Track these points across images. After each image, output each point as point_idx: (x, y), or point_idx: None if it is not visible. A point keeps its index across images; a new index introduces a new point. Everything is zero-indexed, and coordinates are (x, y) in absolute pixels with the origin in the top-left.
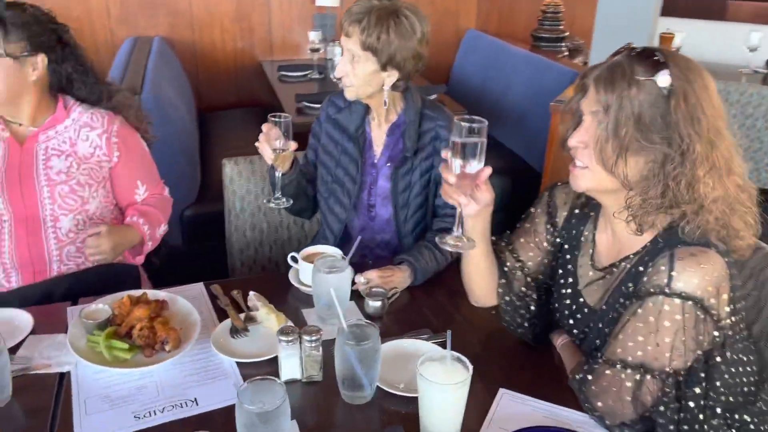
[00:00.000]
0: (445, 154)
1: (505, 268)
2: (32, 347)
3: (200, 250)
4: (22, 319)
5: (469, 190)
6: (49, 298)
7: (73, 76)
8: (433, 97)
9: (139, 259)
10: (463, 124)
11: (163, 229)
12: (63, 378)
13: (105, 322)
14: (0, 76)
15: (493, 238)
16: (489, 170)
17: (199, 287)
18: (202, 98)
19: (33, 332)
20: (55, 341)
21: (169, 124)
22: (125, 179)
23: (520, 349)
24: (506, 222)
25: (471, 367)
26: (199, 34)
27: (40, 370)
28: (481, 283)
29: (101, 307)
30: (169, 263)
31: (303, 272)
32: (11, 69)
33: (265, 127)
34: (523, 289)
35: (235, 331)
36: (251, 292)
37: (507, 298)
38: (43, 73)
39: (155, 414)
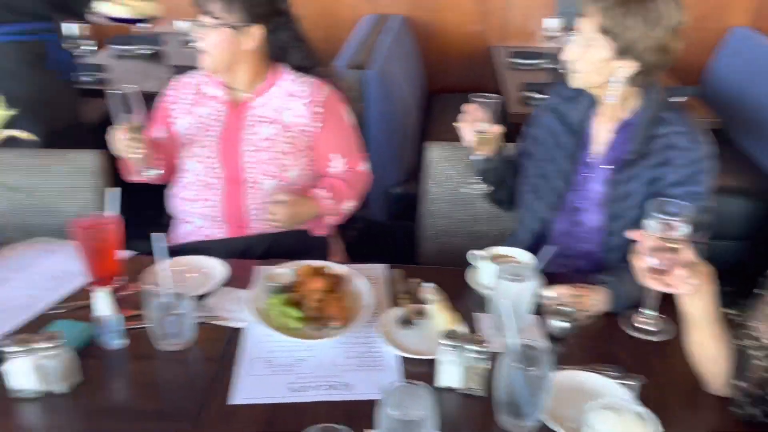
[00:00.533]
0: (635, 235)
1: (739, 349)
2: (219, 298)
3: (400, 230)
4: (219, 269)
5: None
6: (248, 253)
7: (288, 44)
8: (681, 99)
9: (320, 232)
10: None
11: (349, 204)
12: (237, 333)
13: (283, 287)
14: (218, 45)
15: (730, 311)
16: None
17: (382, 268)
18: (432, 80)
19: (227, 284)
20: (238, 296)
21: (391, 103)
22: (323, 150)
23: (730, 418)
24: (753, 252)
25: (661, 431)
26: (437, 14)
27: (219, 321)
28: (714, 370)
29: (284, 271)
30: (368, 238)
31: (483, 273)
32: (229, 38)
33: (468, 107)
34: (765, 374)
35: (403, 322)
36: (428, 284)
37: (742, 386)
38: (259, 42)
39: (308, 390)
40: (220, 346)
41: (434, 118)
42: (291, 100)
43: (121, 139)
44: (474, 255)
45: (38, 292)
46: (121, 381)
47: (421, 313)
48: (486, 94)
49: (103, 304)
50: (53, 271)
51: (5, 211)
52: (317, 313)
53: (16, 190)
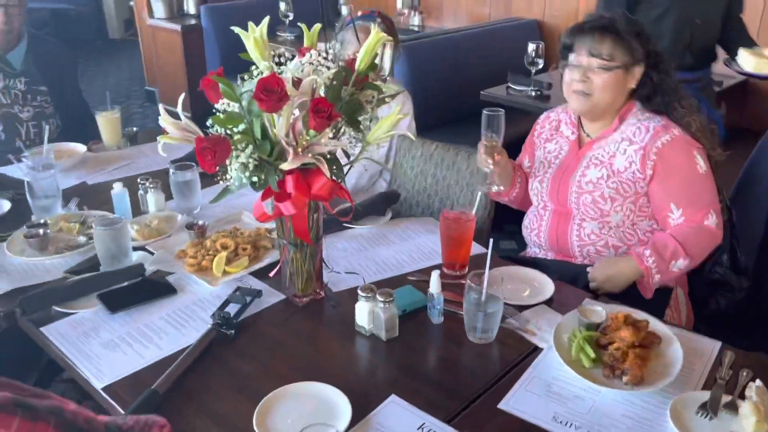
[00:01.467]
0: None
1: None
2: (535, 313)
3: None
4: (547, 287)
5: None
6: (575, 281)
7: (655, 88)
8: None
9: (647, 294)
10: None
11: (682, 264)
12: (534, 351)
13: (595, 325)
14: (607, 86)
15: None
16: None
17: (712, 344)
18: None
19: (548, 302)
20: (552, 319)
21: None
22: (657, 198)
23: None
24: None
25: None
26: None
27: (525, 333)
28: None
29: (598, 309)
30: (744, 313)
31: None
32: (618, 79)
33: None
34: None
35: (705, 408)
36: (756, 381)
37: None
38: (636, 83)
39: (569, 427)
40: (516, 355)
41: None
42: (625, 144)
43: (480, 152)
44: None
45: (406, 258)
46: (425, 348)
47: (730, 407)
48: None
49: (436, 283)
50: (423, 246)
51: (419, 191)
52: (613, 361)
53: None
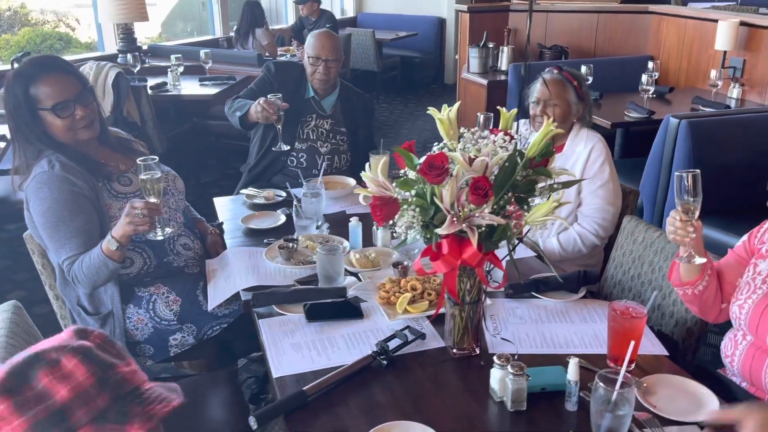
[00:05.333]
0: None
1: None
2: None
3: None
4: (711, 407)
5: None
6: None
7: None
8: None
9: None
10: None
11: None
12: None
13: None
14: None
15: None
16: None
17: None
18: None
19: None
20: None
21: None
22: None
23: None
24: None
25: None
26: None
27: None
28: None
29: None
30: None
31: None
32: None
33: None
34: None
35: None
36: None
37: None
38: None
39: None
40: None
41: None
42: None
43: (674, 221)
44: None
45: (576, 340)
46: (547, 429)
47: None
48: None
49: (573, 371)
50: (599, 333)
51: (633, 277)
52: None
53: None
